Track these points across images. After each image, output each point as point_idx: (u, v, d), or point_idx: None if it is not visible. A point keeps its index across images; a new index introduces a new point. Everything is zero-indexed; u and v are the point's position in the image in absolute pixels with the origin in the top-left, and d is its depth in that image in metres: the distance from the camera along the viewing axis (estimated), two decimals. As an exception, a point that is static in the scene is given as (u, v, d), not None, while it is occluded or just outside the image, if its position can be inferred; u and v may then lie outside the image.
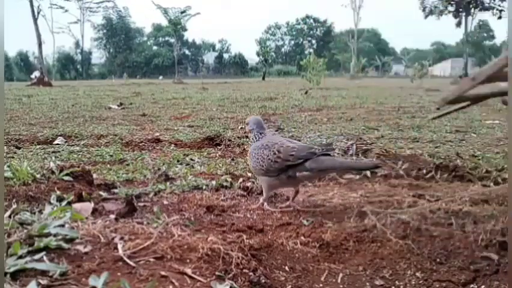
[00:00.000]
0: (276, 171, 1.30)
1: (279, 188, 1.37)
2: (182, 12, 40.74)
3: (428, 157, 2.55)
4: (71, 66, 70.33)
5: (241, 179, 1.93)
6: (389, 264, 1.09)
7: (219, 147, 3.45)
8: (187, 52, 77.39)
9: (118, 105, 7.86)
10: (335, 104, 7.99)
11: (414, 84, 17.67)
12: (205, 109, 7.18)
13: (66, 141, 3.77)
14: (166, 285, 0.87)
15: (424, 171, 1.98)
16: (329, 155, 1.32)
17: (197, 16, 42.22)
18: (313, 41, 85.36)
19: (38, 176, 1.63)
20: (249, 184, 1.76)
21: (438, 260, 1.10)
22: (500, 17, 34.07)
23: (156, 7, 38.95)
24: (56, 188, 1.54)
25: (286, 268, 1.10)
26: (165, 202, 1.52)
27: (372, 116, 5.72)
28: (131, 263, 0.92)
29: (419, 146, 3.25)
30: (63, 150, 3.28)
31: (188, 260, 0.97)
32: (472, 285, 1.03)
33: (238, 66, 69.66)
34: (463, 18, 36.43)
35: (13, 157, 2.94)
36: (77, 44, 67.17)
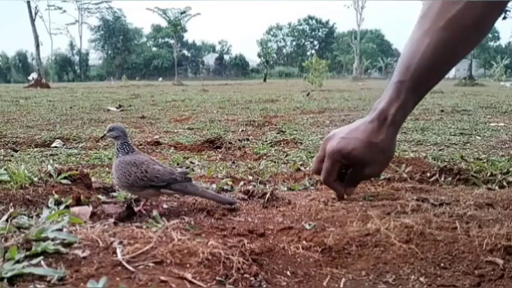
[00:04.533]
0: (140, 187, 1.41)
1: (144, 197, 1.48)
2: (182, 13, 40.79)
3: (432, 160, 2.54)
4: (69, 67, 70.47)
5: (242, 182, 1.91)
6: (392, 269, 1.08)
7: (220, 150, 3.44)
8: (187, 53, 77.58)
9: (117, 107, 7.88)
10: (337, 106, 8.01)
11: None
12: (206, 111, 7.19)
13: (64, 144, 3.76)
14: (166, 290, 0.85)
15: (428, 174, 1.96)
16: (190, 180, 1.46)
17: (197, 17, 42.38)
18: (316, 42, 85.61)
19: (35, 179, 1.61)
20: (250, 187, 1.74)
21: (442, 264, 1.08)
22: (505, 18, 34.00)
23: (153, 11, 38.98)
24: (54, 192, 1.52)
25: (288, 273, 1.08)
26: (165, 206, 1.50)
27: (375, 118, 5.72)
28: (130, 267, 0.90)
29: (423, 149, 3.24)
30: (61, 153, 3.27)
31: (188, 265, 0.95)
32: (476, 291, 1.01)
33: (239, 67, 69.87)
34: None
35: (10, 160, 2.93)
36: (71, 45, 67.15)
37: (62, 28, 62.21)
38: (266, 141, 3.85)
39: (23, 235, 1.01)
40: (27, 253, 0.93)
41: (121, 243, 1.01)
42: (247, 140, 3.91)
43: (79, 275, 0.86)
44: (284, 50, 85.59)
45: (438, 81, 1.31)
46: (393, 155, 1.29)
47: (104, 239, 1.03)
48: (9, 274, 0.84)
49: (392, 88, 1.27)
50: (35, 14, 30.88)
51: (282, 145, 3.65)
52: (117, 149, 1.50)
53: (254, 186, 1.87)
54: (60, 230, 1.06)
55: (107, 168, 2.53)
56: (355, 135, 1.29)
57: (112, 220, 1.30)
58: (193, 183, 1.48)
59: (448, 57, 1.25)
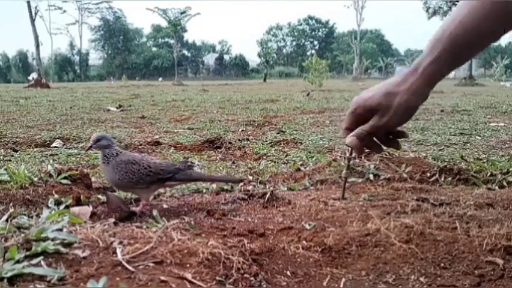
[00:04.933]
0: (146, 183, 1.39)
1: (146, 193, 1.46)
2: (182, 13, 40.76)
3: (432, 160, 2.54)
4: (69, 67, 70.50)
5: (242, 182, 1.91)
6: (392, 269, 1.08)
7: (220, 150, 3.44)
8: (187, 53, 77.59)
9: (117, 107, 7.87)
10: (337, 106, 8.01)
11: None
12: (206, 111, 7.18)
13: (64, 144, 3.76)
14: (166, 290, 0.85)
15: (428, 174, 1.96)
16: (192, 168, 1.46)
17: (197, 17, 42.37)
18: (316, 42, 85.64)
19: (35, 179, 1.62)
20: (250, 187, 1.75)
21: (442, 264, 1.08)
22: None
23: (153, 11, 38.93)
24: (54, 192, 1.52)
25: (288, 273, 1.08)
26: (165, 206, 1.50)
27: (375, 118, 5.72)
28: (130, 267, 0.91)
29: (423, 149, 3.24)
30: (61, 153, 3.27)
31: (188, 265, 0.95)
32: (476, 291, 1.01)
33: (239, 67, 69.88)
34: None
35: (10, 160, 2.93)
36: (71, 45, 67.25)
37: (62, 28, 62.26)
38: (266, 141, 3.85)
39: (23, 235, 1.01)
40: (27, 253, 0.93)
41: (121, 243, 1.01)
42: (247, 140, 3.91)
43: (79, 275, 0.87)
44: (284, 50, 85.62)
45: (476, 49, 1.27)
46: (416, 108, 1.26)
47: (104, 239, 1.02)
48: (9, 274, 0.84)
49: (428, 45, 1.26)
50: (35, 14, 30.84)
51: (282, 145, 3.65)
52: (105, 155, 1.43)
53: (254, 186, 1.87)
54: (60, 230, 1.06)
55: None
56: (377, 86, 1.28)
57: (112, 220, 1.30)
58: (196, 170, 1.47)
59: (488, 28, 1.23)
